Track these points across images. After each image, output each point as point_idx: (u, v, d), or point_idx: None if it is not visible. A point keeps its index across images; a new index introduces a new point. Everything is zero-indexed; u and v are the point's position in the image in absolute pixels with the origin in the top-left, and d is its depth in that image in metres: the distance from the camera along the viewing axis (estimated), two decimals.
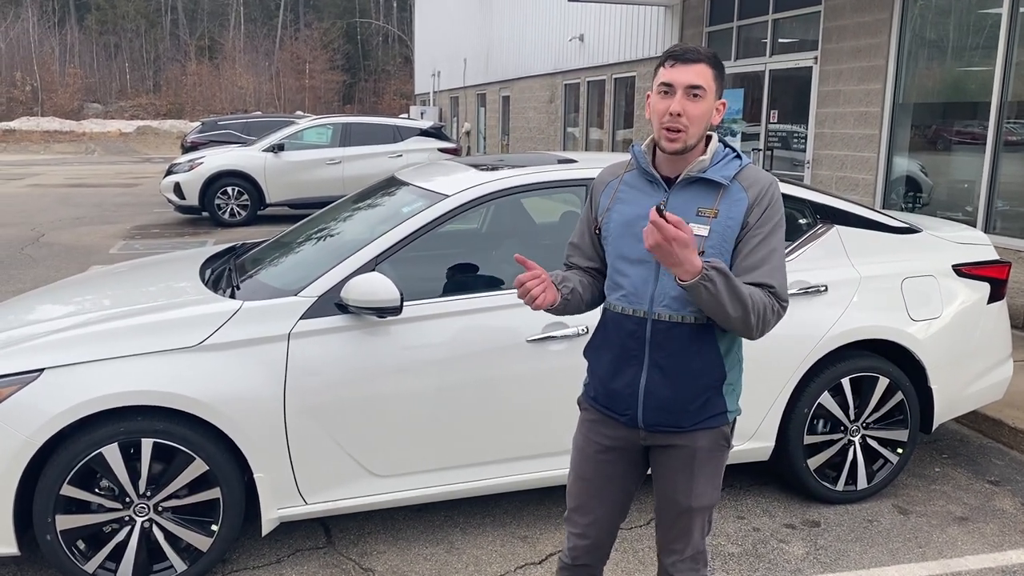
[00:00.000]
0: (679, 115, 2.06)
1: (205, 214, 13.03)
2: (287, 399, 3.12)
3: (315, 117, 15.41)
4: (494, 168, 3.74)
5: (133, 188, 19.19)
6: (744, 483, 4.10)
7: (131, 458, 3.02)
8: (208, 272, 3.84)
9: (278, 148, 13.18)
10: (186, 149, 18.08)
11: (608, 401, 2.24)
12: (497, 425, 3.37)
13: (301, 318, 3.18)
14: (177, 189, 12.89)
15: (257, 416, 3.09)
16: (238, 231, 12.52)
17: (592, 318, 3.42)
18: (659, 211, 1.89)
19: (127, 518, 3.07)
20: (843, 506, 3.89)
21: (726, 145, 2.20)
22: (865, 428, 3.89)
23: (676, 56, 2.08)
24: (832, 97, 9.14)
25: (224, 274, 3.75)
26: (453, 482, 3.40)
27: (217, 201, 12.91)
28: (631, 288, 2.17)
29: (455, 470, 3.39)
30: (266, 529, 3.20)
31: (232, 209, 12.97)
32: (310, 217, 4.27)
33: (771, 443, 3.78)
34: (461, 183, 3.56)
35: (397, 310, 3.12)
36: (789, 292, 3.67)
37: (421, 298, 3.34)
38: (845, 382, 3.81)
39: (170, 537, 3.12)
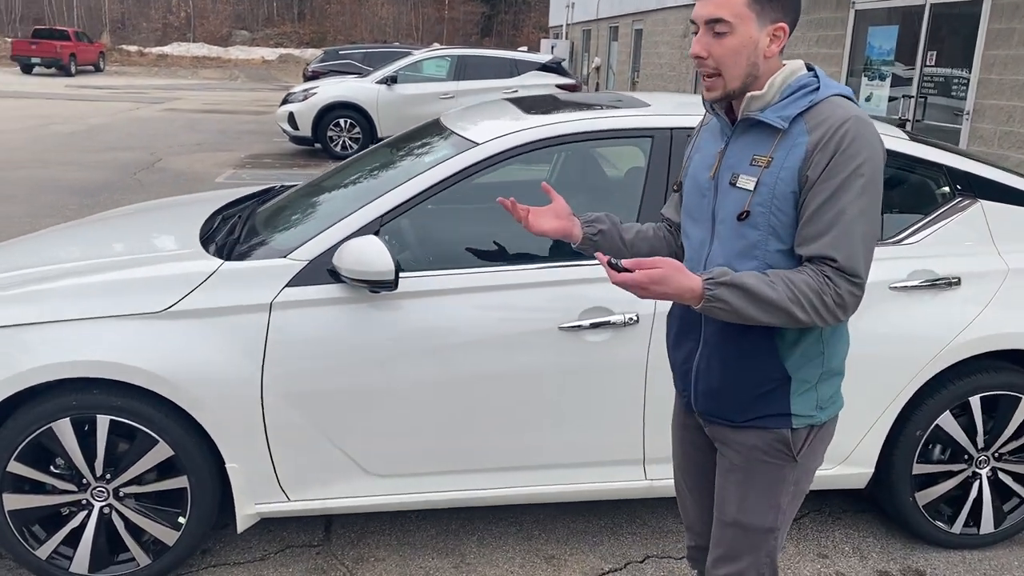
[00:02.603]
0: (703, 57, 1.71)
1: (318, 146, 12.84)
2: (265, 380, 2.63)
3: (430, 48, 14.93)
4: (556, 111, 3.06)
5: (261, 116, 19.35)
6: (835, 510, 3.36)
7: (87, 436, 2.63)
8: (217, 220, 3.39)
9: (391, 80, 12.78)
10: (307, 78, 18.02)
11: (674, 375, 1.98)
12: (518, 427, 2.79)
13: (287, 285, 2.67)
14: (291, 119, 12.72)
15: (229, 398, 2.62)
16: None
17: (644, 306, 2.76)
18: (611, 264, 1.62)
19: (84, 502, 2.70)
20: (959, 552, 3.10)
21: (815, 75, 1.74)
22: (997, 459, 3.06)
23: None
24: (1004, 36, 7.79)
25: (231, 225, 3.28)
26: (463, 488, 2.85)
27: (329, 133, 12.67)
28: (690, 252, 1.88)
29: (466, 475, 2.84)
30: (241, 526, 2.77)
31: (344, 142, 12.71)
32: (350, 159, 3.73)
33: (870, 469, 3.02)
34: (496, 130, 2.92)
35: (391, 284, 2.56)
36: (908, 284, 2.90)
37: (441, 268, 2.76)
38: (975, 401, 2.99)
39: (132, 527, 2.73)
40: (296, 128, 12.72)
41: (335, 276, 2.66)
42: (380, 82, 12.78)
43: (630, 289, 1.62)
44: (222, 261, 2.74)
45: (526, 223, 1.98)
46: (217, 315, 2.63)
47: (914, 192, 3.04)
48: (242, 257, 2.80)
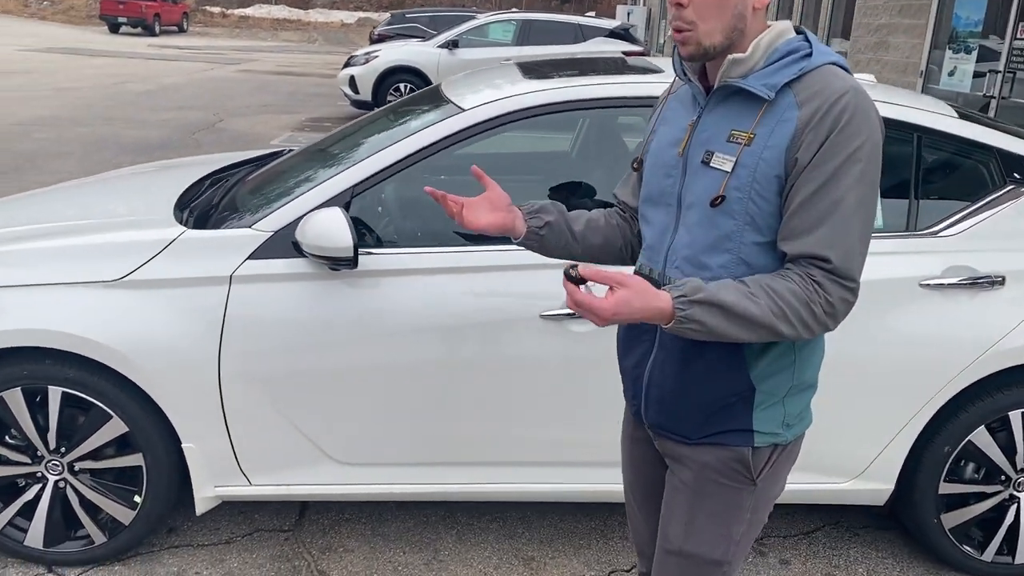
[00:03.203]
0: (682, 5, 1.44)
1: (378, 110, 12.72)
2: (223, 357, 2.47)
3: (493, 12, 14.62)
4: (558, 76, 2.80)
5: (331, 79, 19.33)
6: (853, 525, 3.06)
7: (40, 407, 2.53)
8: (205, 185, 3.24)
9: (452, 45, 12.54)
10: (373, 41, 17.91)
11: (623, 382, 1.72)
12: (493, 420, 2.57)
13: (249, 258, 2.49)
14: (352, 83, 12.62)
15: (186, 374, 2.48)
16: None
17: None
18: (567, 274, 1.36)
19: (39, 475, 2.60)
20: None
21: (806, 38, 1.50)
22: None
23: None
24: None
25: (214, 191, 3.12)
26: (434, 481, 2.66)
27: (389, 97, 12.52)
28: (650, 240, 1.62)
29: (436, 467, 2.65)
30: (200, 508, 2.63)
31: None
32: (349, 124, 3.54)
33: (890, 486, 2.72)
34: (485, 96, 2.68)
35: (351, 262, 2.36)
36: (943, 281, 2.56)
37: (421, 245, 2.55)
38: (1015, 416, 2.64)
39: (87, 504, 2.62)
40: (356, 92, 12.61)
41: (299, 250, 2.47)
42: (442, 46, 12.56)
43: (590, 316, 1.33)
44: (184, 229, 2.58)
45: (460, 219, 1.66)
46: (175, 286, 2.48)
47: (957, 177, 2.69)
48: (212, 225, 2.64)
